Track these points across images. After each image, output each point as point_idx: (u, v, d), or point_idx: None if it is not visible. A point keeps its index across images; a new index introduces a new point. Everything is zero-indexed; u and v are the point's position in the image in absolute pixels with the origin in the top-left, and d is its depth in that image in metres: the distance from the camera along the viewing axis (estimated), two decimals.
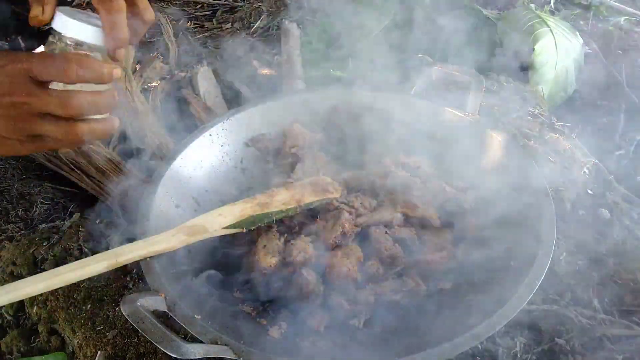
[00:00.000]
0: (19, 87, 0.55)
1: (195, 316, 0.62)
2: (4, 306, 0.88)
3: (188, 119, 1.14)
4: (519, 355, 0.72)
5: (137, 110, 1.12)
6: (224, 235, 0.73)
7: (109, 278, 0.82)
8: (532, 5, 1.47)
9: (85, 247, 0.87)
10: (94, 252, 0.64)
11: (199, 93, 1.21)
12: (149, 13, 0.62)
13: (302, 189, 0.79)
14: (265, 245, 0.74)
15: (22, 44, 1.18)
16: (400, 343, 0.66)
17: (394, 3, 1.45)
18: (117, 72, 0.59)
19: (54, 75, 0.55)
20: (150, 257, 0.66)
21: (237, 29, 1.72)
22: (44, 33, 1.22)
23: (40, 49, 1.61)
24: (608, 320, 0.77)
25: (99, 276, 0.79)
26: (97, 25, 0.59)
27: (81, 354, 0.76)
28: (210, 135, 0.90)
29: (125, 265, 0.64)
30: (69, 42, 0.59)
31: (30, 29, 1.16)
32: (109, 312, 0.78)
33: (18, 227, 1.01)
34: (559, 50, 1.31)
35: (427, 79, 0.97)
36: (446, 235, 0.80)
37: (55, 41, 0.60)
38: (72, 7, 0.76)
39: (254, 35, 1.68)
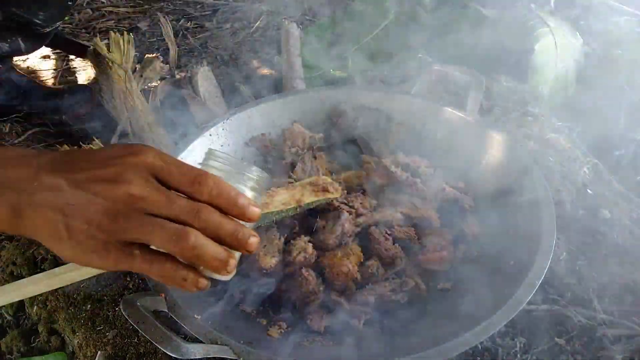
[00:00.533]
0: (141, 181, 0.47)
1: (195, 316, 0.62)
2: (4, 306, 0.88)
3: (188, 119, 1.14)
4: (519, 355, 0.72)
5: (137, 110, 1.12)
6: None
7: (109, 278, 0.82)
8: (532, 5, 1.47)
9: None
10: None
11: (199, 93, 1.21)
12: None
13: (302, 189, 0.79)
14: (265, 245, 0.74)
15: (22, 45, 1.18)
16: (400, 343, 0.66)
17: (394, 2, 1.45)
18: (256, 212, 0.51)
19: (183, 183, 0.48)
20: None
21: (237, 29, 1.72)
22: (44, 35, 1.22)
23: (44, 50, 1.61)
24: (608, 320, 0.77)
25: (99, 276, 0.79)
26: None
27: (81, 354, 0.76)
28: (210, 135, 0.90)
29: None
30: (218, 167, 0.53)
31: (30, 31, 1.16)
32: (109, 312, 0.78)
33: None
34: (559, 50, 1.31)
35: (427, 79, 0.97)
36: (446, 235, 0.80)
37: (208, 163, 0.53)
38: None
39: (254, 35, 1.68)
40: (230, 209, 0.50)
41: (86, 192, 0.47)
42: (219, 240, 0.49)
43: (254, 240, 0.50)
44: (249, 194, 0.53)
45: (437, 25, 1.44)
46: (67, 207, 0.46)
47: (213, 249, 0.48)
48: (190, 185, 0.48)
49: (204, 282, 0.50)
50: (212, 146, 0.90)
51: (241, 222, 0.51)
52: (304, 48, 1.38)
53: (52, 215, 0.47)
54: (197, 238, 0.47)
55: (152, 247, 0.48)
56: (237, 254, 0.52)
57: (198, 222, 0.47)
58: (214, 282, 0.53)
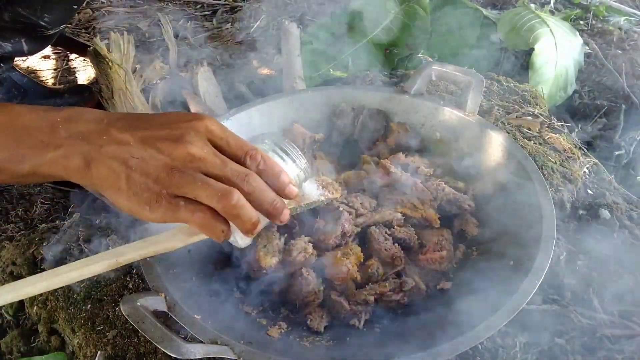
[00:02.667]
0: (200, 143, 0.53)
1: (195, 316, 0.62)
2: (4, 306, 0.88)
3: None
4: (519, 355, 0.72)
5: (137, 110, 1.12)
6: None
7: (109, 278, 0.82)
8: (532, 5, 1.47)
9: (85, 247, 0.87)
10: (94, 252, 0.64)
11: (199, 93, 1.21)
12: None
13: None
14: (265, 245, 0.74)
15: (25, 47, 1.18)
16: (400, 343, 0.66)
17: (394, 2, 1.45)
18: (294, 191, 0.59)
19: (236, 153, 0.55)
20: (150, 257, 0.66)
21: (237, 29, 1.72)
22: (47, 37, 1.22)
23: (47, 50, 1.61)
24: (608, 320, 0.77)
25: (99, 276, 0.80)
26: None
27: (81, 354, 0.76)
28: None
29: (125, 265, 0.64)
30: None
31: (34, 33, 1.16)
32: (109, 312, 0.78)
33: (18, 227, 1.01)
34: (559, 50, 1.31)
35: (427, 78, 0.97)
36: (446, 235, 0.80)
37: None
38: None
39: (254, 35, 1.68)
40: (272, 183, 0.56)
41: (150, 148, 0.52)
42: (259, 205, 0.55)
43: (287, 212, 0.58)
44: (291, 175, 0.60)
45: (437, 25, 1.45)
46: (131, 159, 0.52)
47: (250, 211, 0.55)
48: (242, 156, 0.55)
49: (230, 237, 0.57)
50: None
51: None
52: (304, 48, 1.37)
53: (117, 166, 0.52)
54: (239, 199, 0.53)
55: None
56: (262, 224, 0.58)
57: (246, 186, 0.54)
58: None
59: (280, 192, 0.57)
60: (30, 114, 0.54)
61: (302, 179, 0.63)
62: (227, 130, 0.56)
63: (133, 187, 0.52)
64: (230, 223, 0.55)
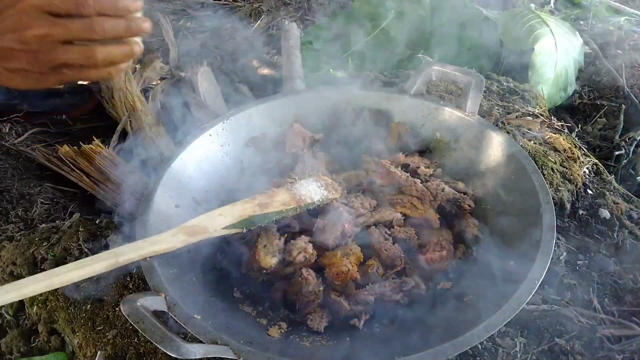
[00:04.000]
0: (37, 21, 0.56)
1: (195, 316, 0.62)
2: (4, 306, 0.88)
3: (188, 118, 1.14)
4: (519, 355, 0.72)
5: (137, 110, 1.12)
6: (224, 236, 0.73)
7: (109, 278, 0.82)
8: (532, 5, 1.47)
9: (85, 247, 0.87)
10: (94, 252, 0.64)
11: (199, 93, 1.21)
12: None
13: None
14: (265, 245, 0.74)
15: None
16: (401, 343, 0.66)
17: (394, 2, 1.45)
18: (138, 4, 0.61)
19: (70, 10, 0.57)
20: (150, 257, 0.66)
21: (237, 29, 1.72)
22: None
23: None
24: (608, 320, 0.77)
25: (99, 277, 0.79)
26: None
27: (81, 354, 0.76)
28: (210, 135, 0.90)
29: (125, 265, 0.64)
30: None
31: None
32: (109, 312, 0.78)
33: (18, 227, 1.01)
34: (559, 50, 1.31)
35: (427, 78, 0.97)
36: (446, 235, 0.80)
37: None
38: None
39: (254, 35, 1.68)
40: (117, 13, 0.59)
41: (5, 42, 0.57)
42: (124, 34, 0.61)
43: (146, 25, 0.63)
44: None
45: (437, 25, 1.45)
46: (2, 53, 0.57)
47: (119, 50, 0.61)
48: (76, 9, 0.57)
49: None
50: (212, 146, 0.90)
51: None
52: (304, 48, 1.38)
53: None
54: (102, 52, 0.59)
55: None
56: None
57: (96, 34, 0.58)
58: None
59: (130, 13, 0.61)
60: None
61: None
62: None
63: (19, 73, 0.58)
64: None
